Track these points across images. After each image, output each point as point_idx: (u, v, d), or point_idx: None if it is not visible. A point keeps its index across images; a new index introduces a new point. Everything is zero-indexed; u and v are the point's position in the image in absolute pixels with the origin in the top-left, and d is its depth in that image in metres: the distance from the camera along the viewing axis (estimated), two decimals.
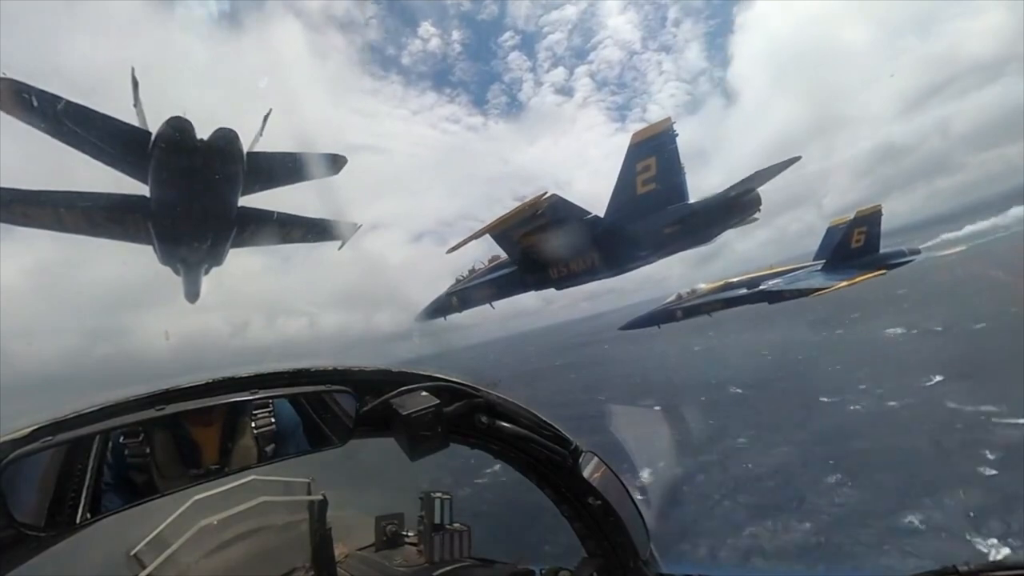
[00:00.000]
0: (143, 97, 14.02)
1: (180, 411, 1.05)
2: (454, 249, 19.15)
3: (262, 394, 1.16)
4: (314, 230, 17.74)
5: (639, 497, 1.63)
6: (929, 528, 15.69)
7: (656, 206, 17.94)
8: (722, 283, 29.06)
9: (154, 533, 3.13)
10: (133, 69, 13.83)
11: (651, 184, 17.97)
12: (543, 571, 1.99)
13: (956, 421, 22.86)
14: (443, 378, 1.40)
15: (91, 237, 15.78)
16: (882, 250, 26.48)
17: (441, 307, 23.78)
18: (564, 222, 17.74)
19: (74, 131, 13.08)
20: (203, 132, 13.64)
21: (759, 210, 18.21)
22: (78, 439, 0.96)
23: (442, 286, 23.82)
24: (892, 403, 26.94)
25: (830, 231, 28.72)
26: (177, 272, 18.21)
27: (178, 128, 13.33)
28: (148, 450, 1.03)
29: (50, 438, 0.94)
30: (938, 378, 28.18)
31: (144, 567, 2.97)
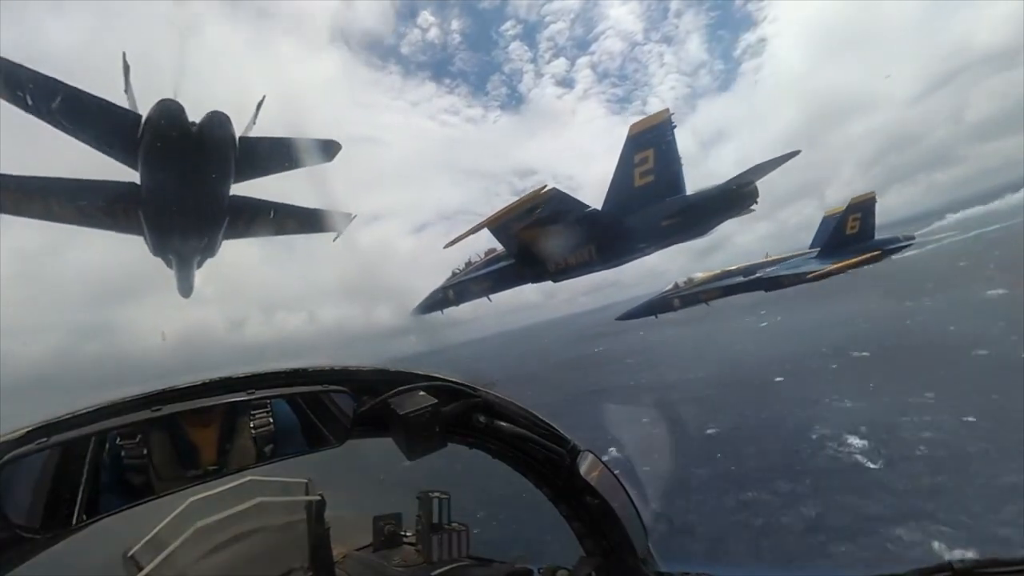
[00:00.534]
0: (135, 83, 13.72)
1: (176, 412, 1.05)
2: (452, 244, 19.06)
3: (259, 394, 1.15)
4: (308, 220, 17.51)
5: (647, 493, 1.64)
6: None
7: (653, 198, 17.94)
8: (719, 272, 29.31)
9: (151, 534, 3.11)
10: (124, 54, 13.54)
11: (649, 176, 17.99)
12: (541, 570, 1.99)
13: None
14: (441, 377, 1.40)
15: (78, 227, 15.35)
16: (877, 237, 26.77)
17: (437, 301, 23.72)
18: (563, 216, 17.73)
19: (62, 112, 12.67)
20: (194, 117, 13.36)
21: (756, 202, 18.28)
22: (74, 440, 0.96)
23: (439, 280, 23.76)
24: None
25: (825, 220, 29.05)
26: (169, 264, 17.93)
27: (169, 111, 13.10)
28: (144, 451, 1.03)
29: (45, 440, 0.93)
30: None
31: (141, 568, 2.96)
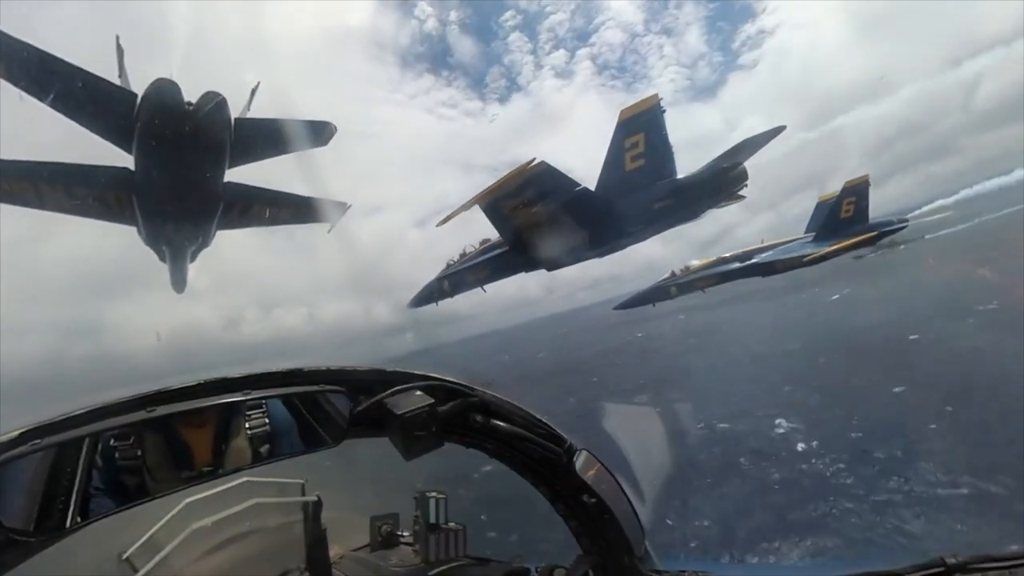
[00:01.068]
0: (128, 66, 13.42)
1: (171, 413, 1.04)
2: (444, 221, 19.03)
3: (255, 395, 1.15)
4: (303, 210, 17.23)
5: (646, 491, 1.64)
6: None
7: (645, 182, 18.05)
8: (715, 259, 29.51)
9: (146, 536, 3.10)
10: (118, 37, 13.31)
11: (639, 160, 18.11)
12: (538, 569, 2.00)
13: None
14: (437, 377, 1.40)
15: (69, 215, 14.76)
16: (871, 220, 26.99)
17: (432, 293, 23.60)
18: (554, 193, 17.67)
19: (54, 88, 12.14)
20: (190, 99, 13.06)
21: (746, 185, 18.38)
22: (68, 442, 0.95)
23: (435, 273, 23.63)
24: None
25: (819, 206, 29.30)
26: (162, 258, 17.55)
27: (166, 90, 12.88)
28: (139, 452, 1.02)
29: (38, 441, 0.92)
30: None
31: (136, 571, 2.95)
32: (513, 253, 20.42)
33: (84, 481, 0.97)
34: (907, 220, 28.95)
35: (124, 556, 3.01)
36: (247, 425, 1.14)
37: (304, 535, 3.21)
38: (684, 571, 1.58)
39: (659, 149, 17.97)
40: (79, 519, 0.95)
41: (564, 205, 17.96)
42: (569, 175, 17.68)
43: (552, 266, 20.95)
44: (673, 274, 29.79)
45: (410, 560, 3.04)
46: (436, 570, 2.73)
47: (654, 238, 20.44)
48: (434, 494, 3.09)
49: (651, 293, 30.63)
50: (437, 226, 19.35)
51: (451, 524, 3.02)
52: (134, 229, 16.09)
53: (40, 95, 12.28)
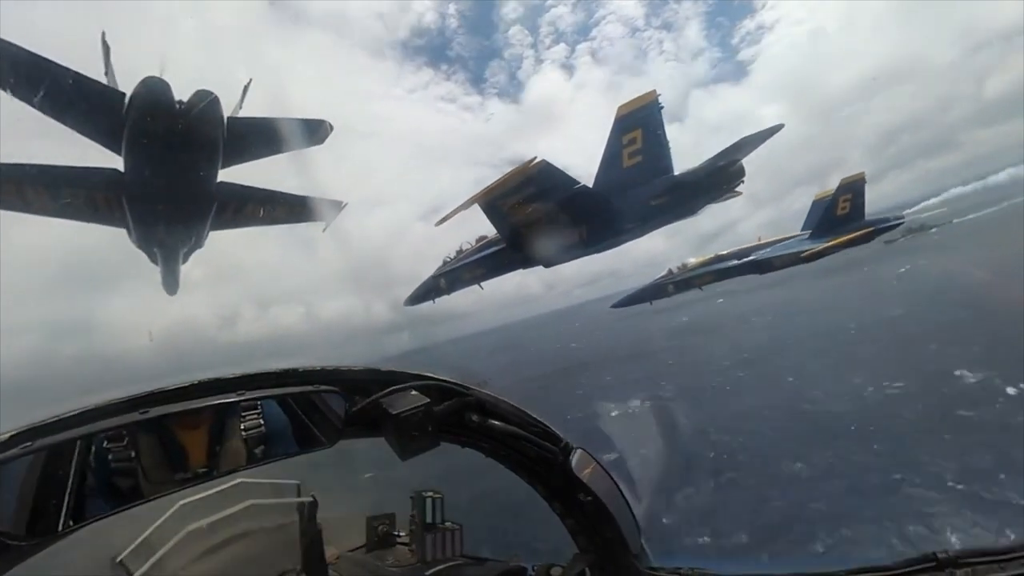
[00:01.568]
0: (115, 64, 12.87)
1: (165, 414, 1.03)
2: (443, 220, 18.83)
3: (249, 395, 1.14)
4: (298, 209, 16.85)
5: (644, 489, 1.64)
6: None
7: (642, 178, 17.99)
8: (712, 256, 29.65)
9: (140, 539, 3.08)
10: (104, 33, 12.80)
11: (637, 157, 18.01)
12: (535, 568, 2.00)
13: None
14: (432, 377, 1.40)
15: (57, 218, 14.34)
16: (867, 217, 27.19)
17: (429, 290, 23.47)
18: (553, 191, 17.62)
19: (39, 89, 11.69)
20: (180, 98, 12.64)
21: (742, 182, 18.43)
22: (60, 444, 0.94)
23: (431, 271, 23.48)
24: None
25: (816, 204, 29.45)
26: (154, 259, 17.13)
27: (155, 88, 12.44)
28: (133, 454, 1.01)
29: (30, 444, 0.91)
30: None
31: (130, 574, 2.93)
32: (511, 250, 20.34)
33: (77, 484, 0.96)
34: (903, 217, 29.22)
35: (118, 559, 3.00)
36: (242, 426, 1.14)
37: (300, 536, 3.19)
38: (680, 568, 1.59)
39: (657, 145, 17.95)
40: (72, 522, 0.94)
41: (562, 203, 17.95)
42: (567, 172, 17.66)
43: (550, 263, 20.93)
44: (670, 272, 29.90)
45: (407, 560, 3.04)
46: (433, 570, 2.73)
47: (654, 232, 20.43)
48: (430, 493, 3.09)
49: (649, 291, 30.74)
50: (436, 225, 19.17)
51: (448, 523, 3.02)
52: (124, 231, 15.78)
53: (22, 95, 11.92)
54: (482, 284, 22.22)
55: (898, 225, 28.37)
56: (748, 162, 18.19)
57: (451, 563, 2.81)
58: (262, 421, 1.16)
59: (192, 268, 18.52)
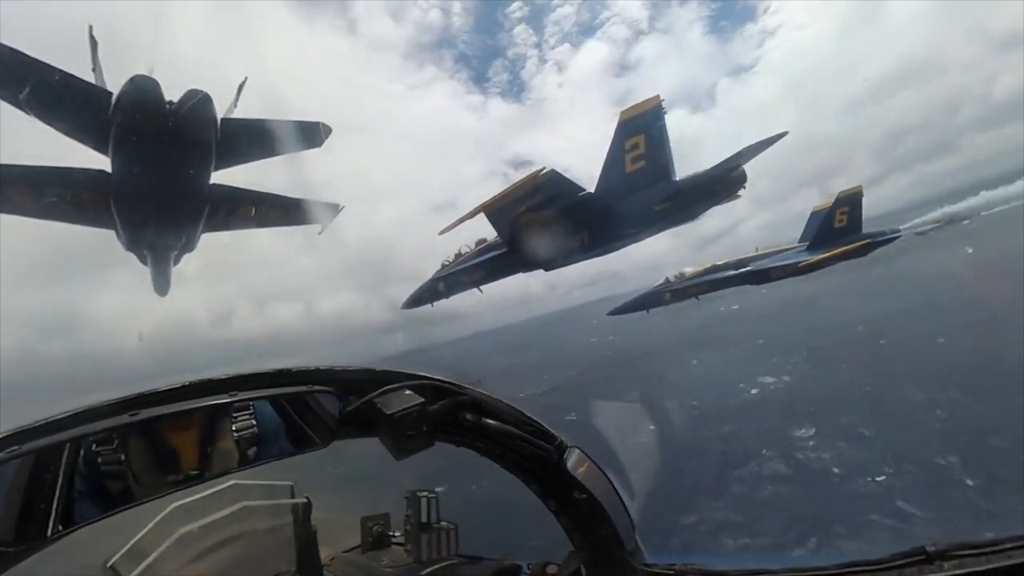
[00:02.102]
0: (103, 60, 12.34)
1: (156, 416, 1.02)
2: (448, 230, 18.77)
3: (242, 396, 1.13)
4: (294, 211, 16.35)
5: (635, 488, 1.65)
6: None
7: (644, 184, 18.03)
8: (709, 266, 29.87)
9: (132, 542, 3.05)
10: (91, 28, 12.28)
11: (640, 162, 18.02)
12: (530, 566, 2.01)
13: None
14: (427, 376, 1.40)
15: (41, 220, 13.77)
16: (864, 231, 27.48)
17: (427, 294, 23.36)
18: (560, 199, 17.71)
19: (20, 87, 11.14)
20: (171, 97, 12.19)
21: (744, 187, 18.52)
22: (48, 447, 0.93)
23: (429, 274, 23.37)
24: None
25: (813, 215, 29.74)
26: (144, 260, 16.58)
27: (143, 88, 11.84)
28: (123, 457, 1.00)
29: (17, 447, 0.90)
30: None
31: None
32: (511, 255, 20.32)
33: (66, 487, 0.95)
34: (899, 231, 29.53)
35: (109, 564, 2.96)
36: (234, 427, 1.12)
37: (294, 537, 3.18)
38: (674, 564, 1.60)
39: (660, 151, 17.96)
40: (61, 527, 0.93)
41: (566, 209, 18.04)
42: (570, 175, 17.72)
43: (550, 267, 20.94)
44: (667, 280, 30.06)
45: (402, 560, 3.03)
46: (428, 569, 2.73)
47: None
48: (425, 493, 3.08)
49: (646, 299, 30.86)
50: (440, 234, 19.15)
51: (443, 523, 3.02)
52: (113, 232, 15.38)
53: (3, 94, 11.45)
54: (481, 288, 22.17)
55: (894, 239, 28.66)
56: (750, 165, 18.29)
57: (446, 562, 2.82)
58: (255, 422, 1.15)
59: (186, 264, 18.07)
